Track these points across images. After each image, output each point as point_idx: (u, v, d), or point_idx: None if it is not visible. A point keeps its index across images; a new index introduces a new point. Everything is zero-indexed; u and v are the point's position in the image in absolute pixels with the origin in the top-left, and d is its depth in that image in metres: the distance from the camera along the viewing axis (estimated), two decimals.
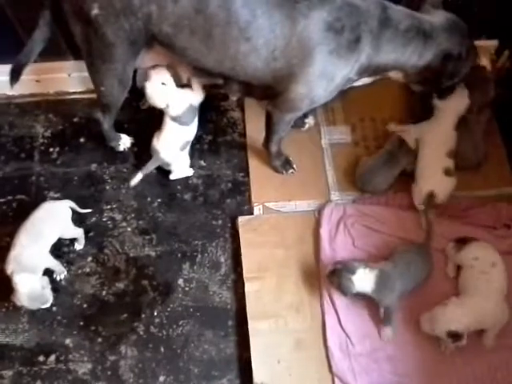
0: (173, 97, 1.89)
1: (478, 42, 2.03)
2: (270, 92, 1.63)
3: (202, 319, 1.81)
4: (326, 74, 1.52)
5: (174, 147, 1.93)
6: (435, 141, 1.87)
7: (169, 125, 1.92)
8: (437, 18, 1.59)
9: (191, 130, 1.96)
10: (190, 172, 2.04)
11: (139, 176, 1.91)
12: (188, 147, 1.99)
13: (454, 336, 1.59)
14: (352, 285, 1.64)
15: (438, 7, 1.63)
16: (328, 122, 2.13)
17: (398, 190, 1.96)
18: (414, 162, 1.90)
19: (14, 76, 1.72)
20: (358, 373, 1.66)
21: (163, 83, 1.86)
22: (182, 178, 2.03)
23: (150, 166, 1.94)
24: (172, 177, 2.01)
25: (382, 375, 1.65)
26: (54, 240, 1.78)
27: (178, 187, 2.04)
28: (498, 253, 1.73)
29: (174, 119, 1.90)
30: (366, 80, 1.67)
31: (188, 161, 2.02)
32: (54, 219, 1.79)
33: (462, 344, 1.60)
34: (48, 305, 1.73)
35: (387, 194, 1.96)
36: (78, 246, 1.89)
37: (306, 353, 1.72)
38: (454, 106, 1.86)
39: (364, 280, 1.65)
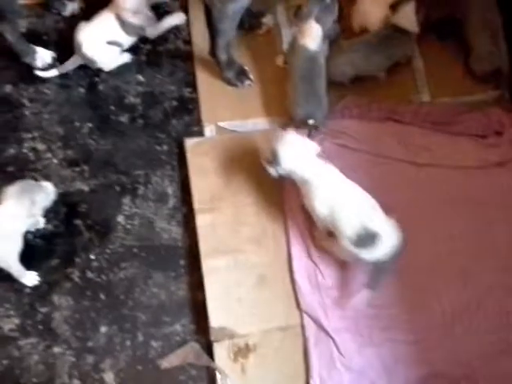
0: None
1: None
2: None
3: (149, 260, 1.66)
4: None
5: (99, 40, 1.75)
6: None
7: (104, 16, 1.75)
8: None
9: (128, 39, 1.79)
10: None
11: (53, 72, 1.77)
12: (118, 49, 1.80)
13: None
14: None
15: None
16: (291, 22, 1.91)
17: (372, 99, 1.80)
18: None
19: None
20: (329, 307, 1.56)
21: None
22: (116, 97, 1.82)
23: (70, 64, 1.78)
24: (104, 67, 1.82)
25: (356, 309, 1.54)
26: None
27: (112, 108, 1.83)
28: None
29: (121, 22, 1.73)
30: None
31: (119, 59, 1.83)
32: None
33: None
34: None
35: (360, 104, 1.79)
36: None
37: (270, 289, 1.60)
38: None
39: None
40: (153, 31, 1.81)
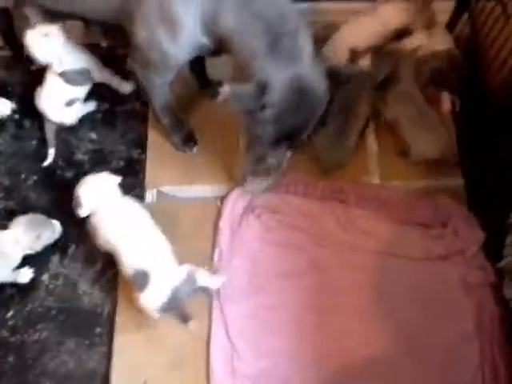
0: (57, 51, 1.72)
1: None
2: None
3: (65, 324, 1.61)
4: (164, 15, 1.34)
5: (58, 104, 1.78)
6: None
7: (50, 80, 1.77)
8: None
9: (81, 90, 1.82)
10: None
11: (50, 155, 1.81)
12: (78, 103, 1.83)
13: None
14: None
15: None
16: None
17: (320, 178, 1.75)
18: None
19: None
20: None
21: (46, 34, 1.70)
22: (66, 152, 1.84)
23: (49, 133, 1.81)
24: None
25: None
26: None
27: (60, 163, 1.83)
28: None
29: (61, 75, 1.75)
30: None
31: (84, 110, 1.86)
32: None
33: None
34: None
35: (307, 182, 1.74)
36: None
37: (181, 372, 1.51)
38: None
39: None
40: (99, 74, 1.82)
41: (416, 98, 1.74)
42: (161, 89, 1.60)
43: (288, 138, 1.40)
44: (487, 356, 1.51)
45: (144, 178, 1.79)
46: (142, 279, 1.45)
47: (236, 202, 1.71)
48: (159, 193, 1.77)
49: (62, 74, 1.74)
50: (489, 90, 1.79)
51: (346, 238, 1.65)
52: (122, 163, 1.83)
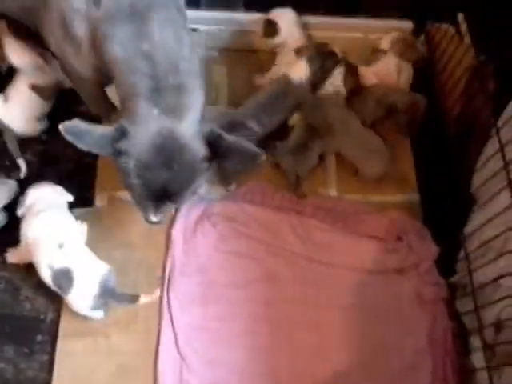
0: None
1: (389, 23, 1.91)
2: None
3: (4, 330, 1.52)
4: (66, 29, 1.31)
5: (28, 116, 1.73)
6: None
7: (23, 92, 1.70)
8: None
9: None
10: None
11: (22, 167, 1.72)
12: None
13: None
14: None
15: None
16: None
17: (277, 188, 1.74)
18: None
19: None
20: None
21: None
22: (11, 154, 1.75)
23: (12, 144, 1.73)
24: None
25: None
26: None
27: (7, 163, 1.76)
28: None
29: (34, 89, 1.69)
30: None
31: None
32: None
33: None
34: None
35: (265, 191, 1.73)
36: None
37: (127, 382, 1.45)
38: None
39: None
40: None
41: (352, 126, 1.74)
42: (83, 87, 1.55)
43: (163, 197, 1.28)
44: (439, 371, 1.52)
45: (95, 181, 1.74)
46: (65, 279, 1.42)
47: (190, 210, 1.67)
48: (110, 197, 1.71)
49: (35, 88, 1.69)
50: (444, 108, 1.84)
51: (302, 249, 1.64)
52: (72, 165, 1.77)
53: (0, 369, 1.47)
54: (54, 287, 1.46)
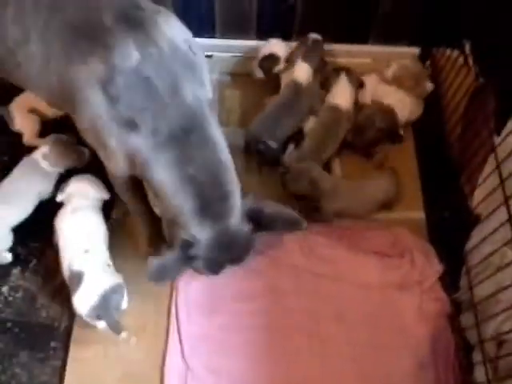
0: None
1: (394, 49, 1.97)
2: None
3: (20, 337, 1.60)
4: (99, 141, 1.33)
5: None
6: None
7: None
8: None
9: None
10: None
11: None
12: None
13: None
14: None
15: None
16: None
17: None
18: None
19: None
20: None
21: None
22: None
23: None
24: None
25: None
26: None
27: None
28: None
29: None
30: None
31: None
32: None
33: None
34: None
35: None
36: None
37: None
38: None
39: None
40: None
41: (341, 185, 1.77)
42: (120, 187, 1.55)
43: (222, 266, 1.42)
44: None
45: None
46: (76, 280, 1.48)
47: None
48: (126, 211, 1.78)
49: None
50: (447, 129, 1.88)
51: (306, 263, 1.68)
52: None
53: (16, 373, 1.55)
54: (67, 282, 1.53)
